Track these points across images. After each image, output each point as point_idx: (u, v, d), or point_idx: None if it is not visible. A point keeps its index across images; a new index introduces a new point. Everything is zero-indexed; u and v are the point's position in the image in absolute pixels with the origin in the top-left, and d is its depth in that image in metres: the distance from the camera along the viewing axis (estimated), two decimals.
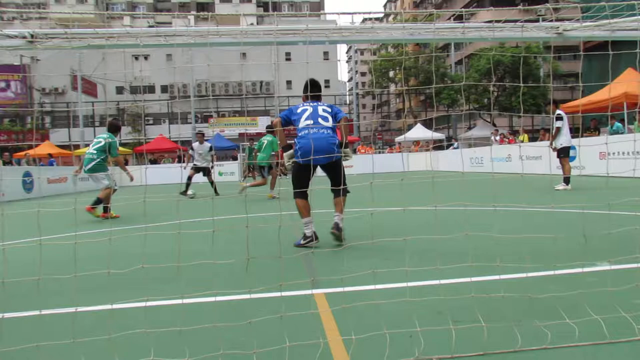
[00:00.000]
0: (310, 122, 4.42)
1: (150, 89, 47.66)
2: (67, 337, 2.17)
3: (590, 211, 5.74)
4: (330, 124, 4.47)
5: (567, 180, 9.17)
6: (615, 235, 3.31)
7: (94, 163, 7.45)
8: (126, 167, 8.10)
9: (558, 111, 9.33)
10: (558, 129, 9.23)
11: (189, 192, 11.92)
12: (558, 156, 9.54)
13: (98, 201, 7.45)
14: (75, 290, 3.18)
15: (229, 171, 24.63)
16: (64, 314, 2.76)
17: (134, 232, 5.58)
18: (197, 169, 12.26)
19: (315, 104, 4.57)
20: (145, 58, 46.50)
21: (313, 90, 4.68)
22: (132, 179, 7.80)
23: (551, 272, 2.91)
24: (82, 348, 2.05)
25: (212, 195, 11.62)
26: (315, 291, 2.96)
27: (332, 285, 3.06)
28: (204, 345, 2.16)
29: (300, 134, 4.41)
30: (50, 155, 25.19)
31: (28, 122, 43.68)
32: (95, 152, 7.45)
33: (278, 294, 2.71)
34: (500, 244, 3.98)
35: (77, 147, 33.63)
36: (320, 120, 4.45)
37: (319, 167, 4.55)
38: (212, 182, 12.27)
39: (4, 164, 20.26)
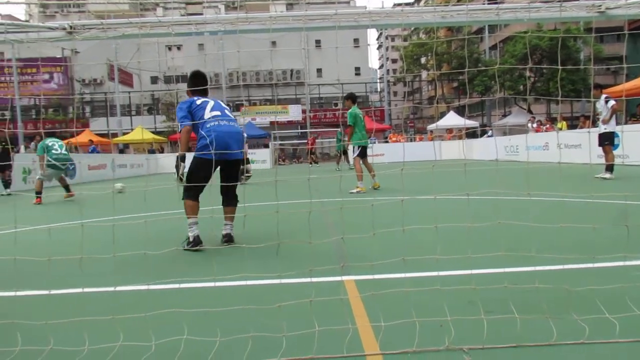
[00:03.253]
0: (217, 112, 4.03)
1: (184, 79, 48.43)
2: (107, 314, 2.25)
3: (634, 202, 5.51)
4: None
5: (611, 169, 8.85)
6: None
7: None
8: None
9: (605, 95, 9.05)
10: (614, 109, 8.89)
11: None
12: (601, 143, 9.15)
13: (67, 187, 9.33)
14: (114, 270, 3.30)
15: (260, 159, 24.89)
16: (104, 292, 2.87)
17: (168, 216, 5.72)
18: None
19: (211, 98, 4.20)
20: (178, 48, 47.26)
21: (199, 83, 4.24)
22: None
23: (590, 265, 2.81)
24: (120, 324, 2.12)
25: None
26: (345, 277, 2.97)
27: (362, 271, 3.05)
28: (234, 327, 2.20)
29: (208, 126, 3.94)
30: (91, 141, 26.00)
31: (70, 111, 45.26)
32: (66, 152, 9.23)
33: (308, 279, 2.73)
34: (535, 234, 3.87)
35: (115, 135, 34.62)
36: (226, 112, 4.13)
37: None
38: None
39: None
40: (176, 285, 2.56)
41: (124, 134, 35.01)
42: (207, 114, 3.99)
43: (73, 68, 45.03)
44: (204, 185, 3.90)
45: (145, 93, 46.35)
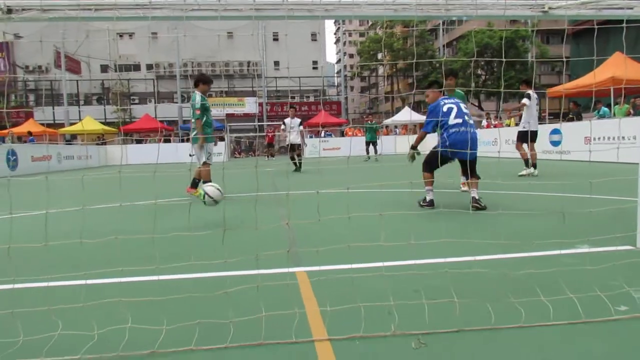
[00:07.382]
0: (459, 120, 4.96)
1: (136, 68, 46.70)
2: (43, 306, 2.15)
3: (570, 194, 5.81)
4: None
5: (531, 164, 8.57)
6: (596, 215, 3.33)
7: (190, 132, 6.21)
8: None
9: (528, 91, 8.62)
10: (523, 105, 8.58)
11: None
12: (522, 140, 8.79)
13: (194, 181, 6.26)
14: (48, 265, 3.14)
15: (216, 151, 24.37)
16: (38, 287, 2.73)
17: (109, 209, 5.52)
18: (292, 147, 12.31)
19: (454, 101, 5.12)
20: (130, 36, 45.49)
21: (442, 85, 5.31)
22: (215, 144, 6.78)
23: (527, 254, 2.93)
24: (58, 315, 2.04)
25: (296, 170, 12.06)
26: (293, 268, 2.97)
27: (309, 258, 3.06)
28: (180, 315, 2.16)
29: (451, 131, 4.93)
30: (29, 133, 24.62)
31: (12, 99, 42.69)
32: (190, 117, 6.28)
33: (256, 267, 2.70)
34: (477, 223, 4.00)
35: (61, 125, 32.97)
36: (466, 118, 4.99)
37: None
38: (300, 156, 12.44)
39: None
40: (116, 280, 2.46)
41: (72, 124, 33.43)
42: (452, 121, 4.95)
43: (15, 53, 42.47)
44: (437, 166, 4.99)
45: (94, 82, 44.38)
